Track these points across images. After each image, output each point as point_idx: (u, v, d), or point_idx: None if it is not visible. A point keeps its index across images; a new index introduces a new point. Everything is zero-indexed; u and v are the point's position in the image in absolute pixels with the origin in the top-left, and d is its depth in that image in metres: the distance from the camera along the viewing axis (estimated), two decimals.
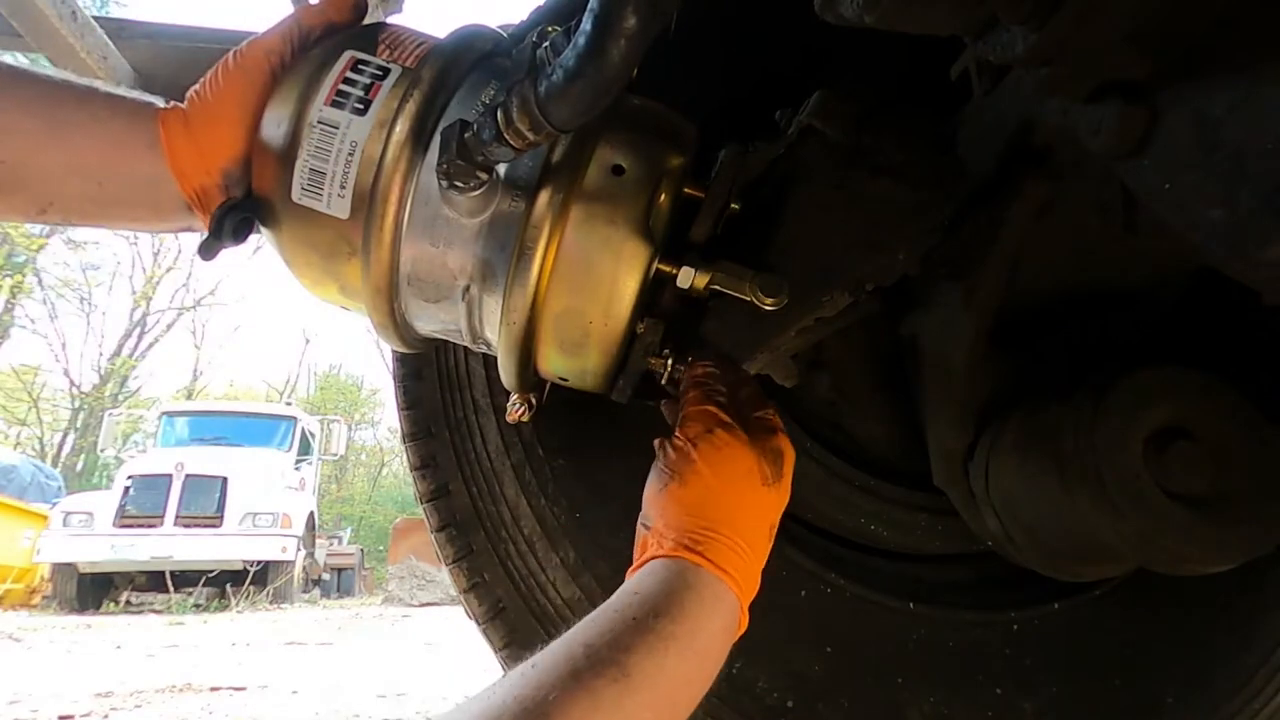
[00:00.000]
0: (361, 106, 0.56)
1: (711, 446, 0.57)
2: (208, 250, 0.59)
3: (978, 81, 0.70)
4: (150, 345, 19.84)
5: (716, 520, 0.54)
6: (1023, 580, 0.87)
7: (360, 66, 0.58)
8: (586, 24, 0.45)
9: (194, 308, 20.49)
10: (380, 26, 0.62)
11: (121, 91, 0.61)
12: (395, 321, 0.62)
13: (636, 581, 0.52)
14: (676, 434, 0.58)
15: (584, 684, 0.44)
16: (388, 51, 0.59)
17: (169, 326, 20.20)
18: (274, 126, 0.58)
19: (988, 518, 0.71)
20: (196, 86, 0.60)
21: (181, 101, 0.60)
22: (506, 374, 0.62)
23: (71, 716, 2.55)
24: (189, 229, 0.64)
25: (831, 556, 0.89)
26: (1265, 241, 0.41)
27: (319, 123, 0.56)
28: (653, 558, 0.54)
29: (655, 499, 0.57)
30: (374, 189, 0.55)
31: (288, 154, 0.57)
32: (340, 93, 0.57)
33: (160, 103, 0.60)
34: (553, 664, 0.45)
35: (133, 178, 0.59)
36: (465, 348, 0.91)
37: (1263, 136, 0.40)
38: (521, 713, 0.41)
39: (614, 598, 0.51)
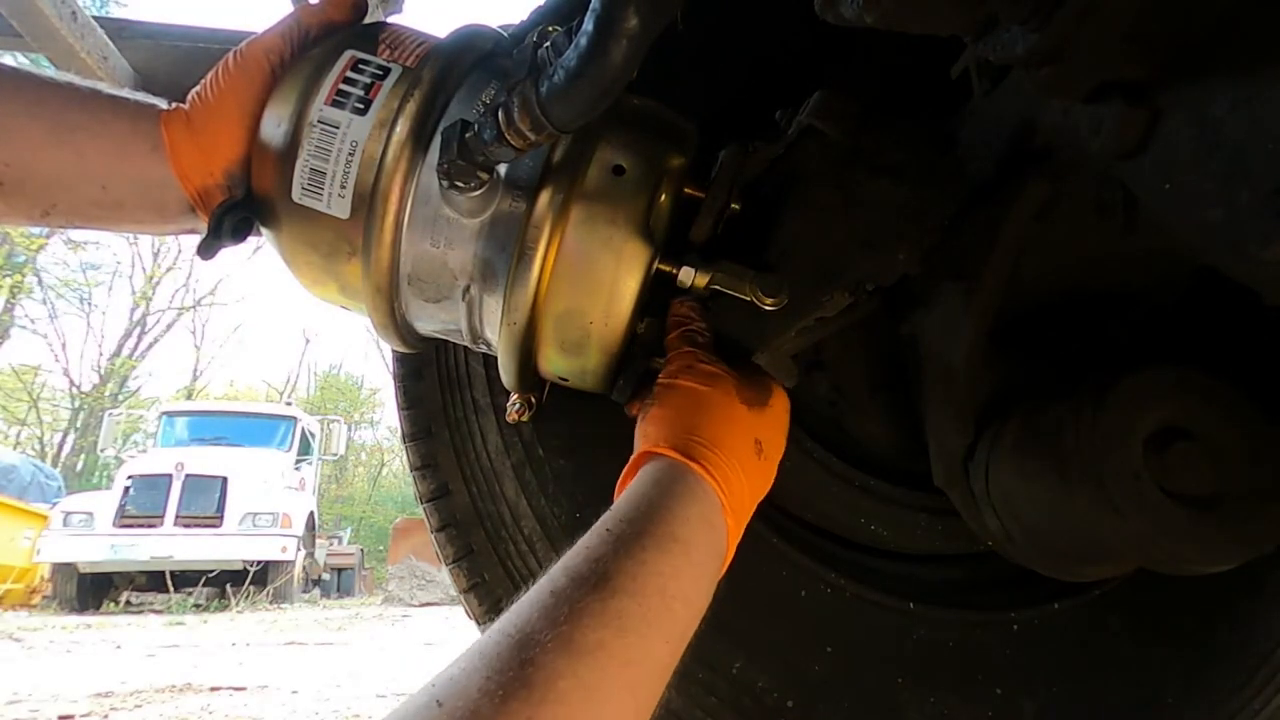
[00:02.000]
0: (362, 106, 0.56)
1: (691, 374, 0.59)
2: (207, 250, 0.59)
3: (978, 81, 0.70)
4: (150, 345, 19.86)
5: (691, 426, 0.55)
6: (1023, 580, 0.87)
7: (361, 66, 0.58)
8: (588, 24, 0.45)
9: (194, 308, 20.51)
10: (380, 26, 0.62)
11: (124, 94, 0.61)
12: (395, 321, 0.62)
13: (617, 500, 0.53)
14: (660, 375, 0.60)
15: (564, 597, 0.42)
16: (388, 51, 0.59)
17: (169, 326, 20.22)
18: (274, 126, 0.58)
19: (988, 518, 0.71)
20: (197, 88, 0.60)
21: (183, 103, 0.60)
22: (507, 374, 0.62)
23: (71, 716, 2.55)
24: (193, 231, 0.64)
25: (831, 556, 0.89)
26: (1265, 241, 0.41)
27: (319, 122, 0.56)
28: (629, 469, 0.55)
29: (637, 427, 0.58)
30: (374, 189, 0.55)
31: (288, 154, 0.57)
32: (341, 92, 0.57)
33: (163, 104, 0.60)
34: (535, 591, 0.44)
35: (136, 180, 0.59)
36: (465, 348, 0.91)
37: (1263, 136, 0.40)
38: (509, 643, 0.40)
39: (605, 518, 0.51)
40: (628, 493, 0.52)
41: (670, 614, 0.45)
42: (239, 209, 0.58)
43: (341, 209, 0.57)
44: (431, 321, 0.63)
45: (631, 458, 0.57)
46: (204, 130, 0.59)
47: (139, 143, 0.59)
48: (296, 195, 0.57)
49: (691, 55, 0.84)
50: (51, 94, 0.58)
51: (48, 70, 0.60)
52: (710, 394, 0.58)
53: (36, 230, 16.38)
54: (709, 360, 0.60)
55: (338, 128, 0.56)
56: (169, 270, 19.75)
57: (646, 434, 0.57)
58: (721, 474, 0.54)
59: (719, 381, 0.59)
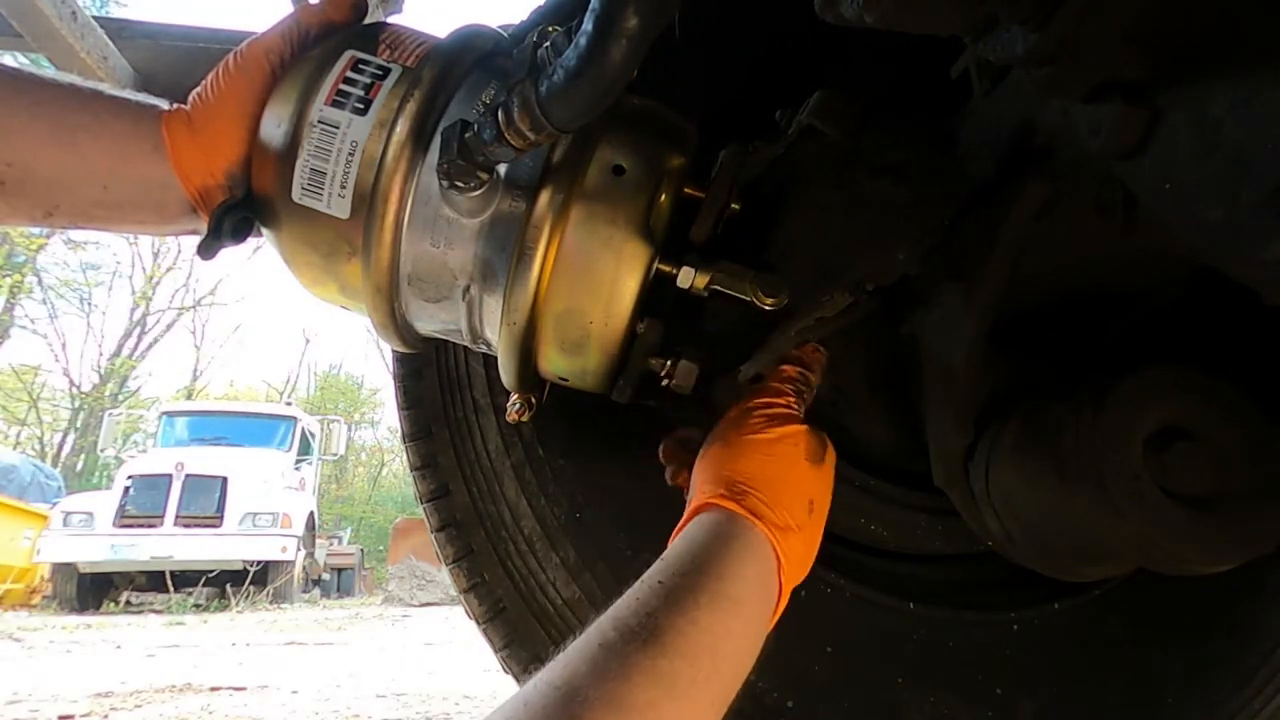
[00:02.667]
0: (362, 106, 0.56)
1: (766, 418, 0.58)
2: (207, 250, 0.59)
3: (978, 81, 0.70)
4: (150, 345, 19.86)
5: (753, 476, 0.54)
6: (1023, 580, 0.87)
7: (361, 66, 0.58)
8: (588, 24, 0.45)
9: (194, 308, 20.51)
10: (380, 26, 0.62)
11: (126, 94, 0.61)
12: (395, 321, 0.62)
13: (669, 549, 0.51)
14: (734, 407, 0.60)
15: (615, 652, 0.41)
16: (388, 51, 0.59)
17: (169, 326, 20.23)
18: (274, 126, 0.58)
19: (988, 518, 0.71)
20: (198, 88, 0.60)
21: (185, 103, 0.60)
22: (507, 374, 0.62)
23: (71, 716, 2.55)
24: (193, 231, 0.64)
25: (831, 556, 0.89)
26: (1265, 241, 0.41)
27: (319, 122, 0.56)
28: (686, 517, 0.54)
29: (698, 464, 0.58)
30: (374, 189, 0.55)
31: (288, 154, 0.57)
32: (341, 92, 0.57)
33: (165, 105, 0.60)
34: (583, 642, 0.43)
35: (138, 181, 0.59)
36: (465, 347, 0.91)
37: (1263, 136, 0.40)
38: (555, 696, 0.39)
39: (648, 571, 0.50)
40: (683, 542, 0.51)
41: (719, 676, 0.44)
42: (239, 209, 0.58)
43: (341, 209, 0.57)
44: (431, 321, 0.63)
45: (690, 504, 0.55)
46: (204, 130, 0.59)
47: (140, 143, 0.58)
48: (296, 195, 0.57)
49: (691, 55, 0.84)
50: (53, 94, 0.58)
51: (48, 71, 0.60)
52: (780, 446, 0.57)
53: (36, 230, 16.38)
54: (789, 409, 0.59)
55: (338, 128, 0.56)
56: (169, 270, 19.77)
57: (707, 479, 0.56)
58: (781, 533, 0.53)
59: (790, 436, 0.58)
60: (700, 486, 0.56)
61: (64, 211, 0.60)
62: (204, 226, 0.61)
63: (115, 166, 0.59)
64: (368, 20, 0.64)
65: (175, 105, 0.60)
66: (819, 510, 0.58)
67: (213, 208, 0.59)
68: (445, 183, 0.52)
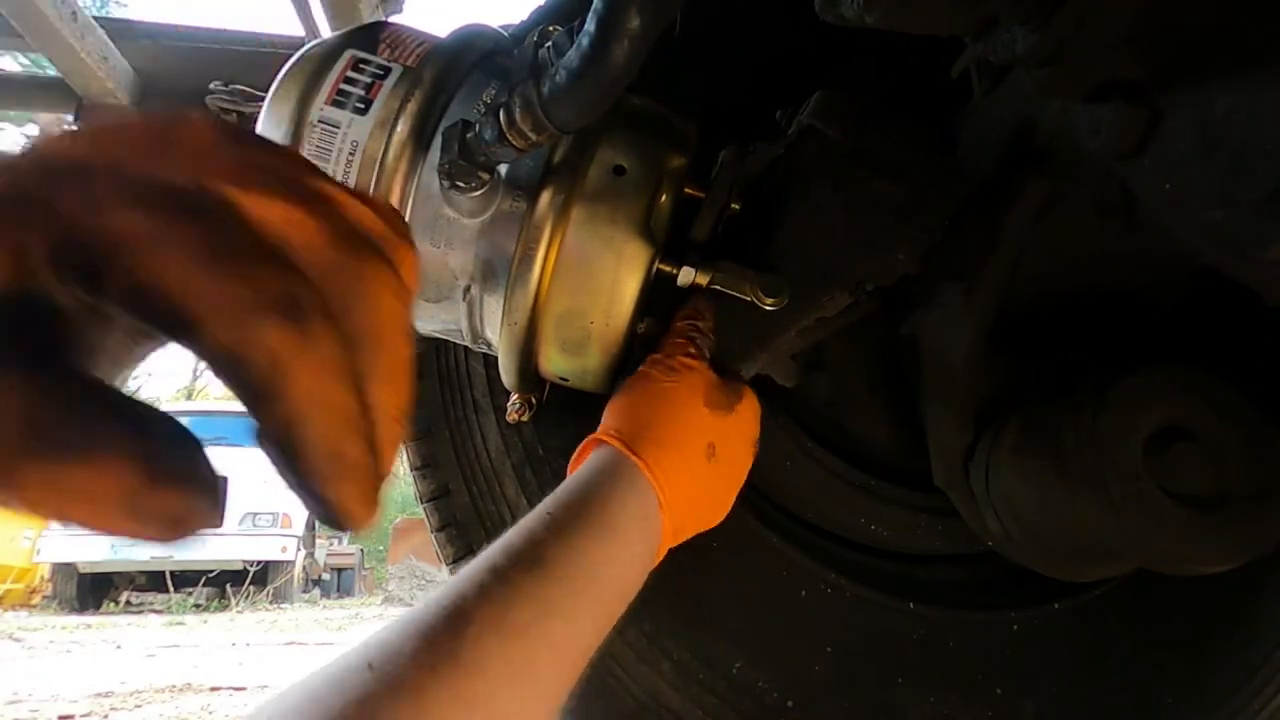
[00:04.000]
0: (362, 106, 0.56)
1: (662, 367, 0.59)
2: None
3: (978, 81, 0.70)
4: None
5: (645, 419, 0.56)
6: (1023, 580, 0.87)
7: (361, 66, 0.58)
8: (590, 24, 0.45)
9: None
10: (381, 26, 0.62)
11: None
12: None
13: (563, 483, 0.54)
14: (642, 364, 0.60)
15: (500, 576, 0.44)
16: (388, 51, 0.59)
17: None
18: (274, 126, 0.58)
19: (988, 518, 0.71)
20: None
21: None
22: (507, 374, 0.62)
23: (71, 716, 2.55)
24: None
25: (831, 556, 0.89)
26: (1265, 241, 0.41)
27: (319, 122, 0.56)
28: (579, 452, 0.57)
29: (605, 408, 0.60)
30: (375, 189, 0.56)
31: None
32: (341, 92, 0.57)
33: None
34: (473, 568, 0.45)
35: None
36: (465, 347, 0.91)
37: (1263, 136, 0.40)
38: (442, 615, 0.42)
39: (547, 501, 0.53)
40: (572, 478, 0.54)
41: (599, 600, 0.48)
42: None
43: None
44: (432, 321, 0.63)
45: (584, 440, 0.58)
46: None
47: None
48: None
49: (692, 55, 0.84)
50: None
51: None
52: (673, 389, 0.58)
53: None
54: (687, 357, 0.60)
55: (338, 127, 0.56)
56: None
57: (604, 419, 0.58)
58: (663, 471, 0.55)
59: (686, 378, 0.59)
60: (601, 426, 0.58)
61: None
62: None
63: None
64: (368, 19, 0.64)
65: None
66: (726, 453, 0.60)
67: None
68: (446, 183, 0.52)
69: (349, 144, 0.56)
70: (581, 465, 0.56)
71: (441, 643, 0.40)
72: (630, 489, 0.53)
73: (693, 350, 0.60)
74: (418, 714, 0.37)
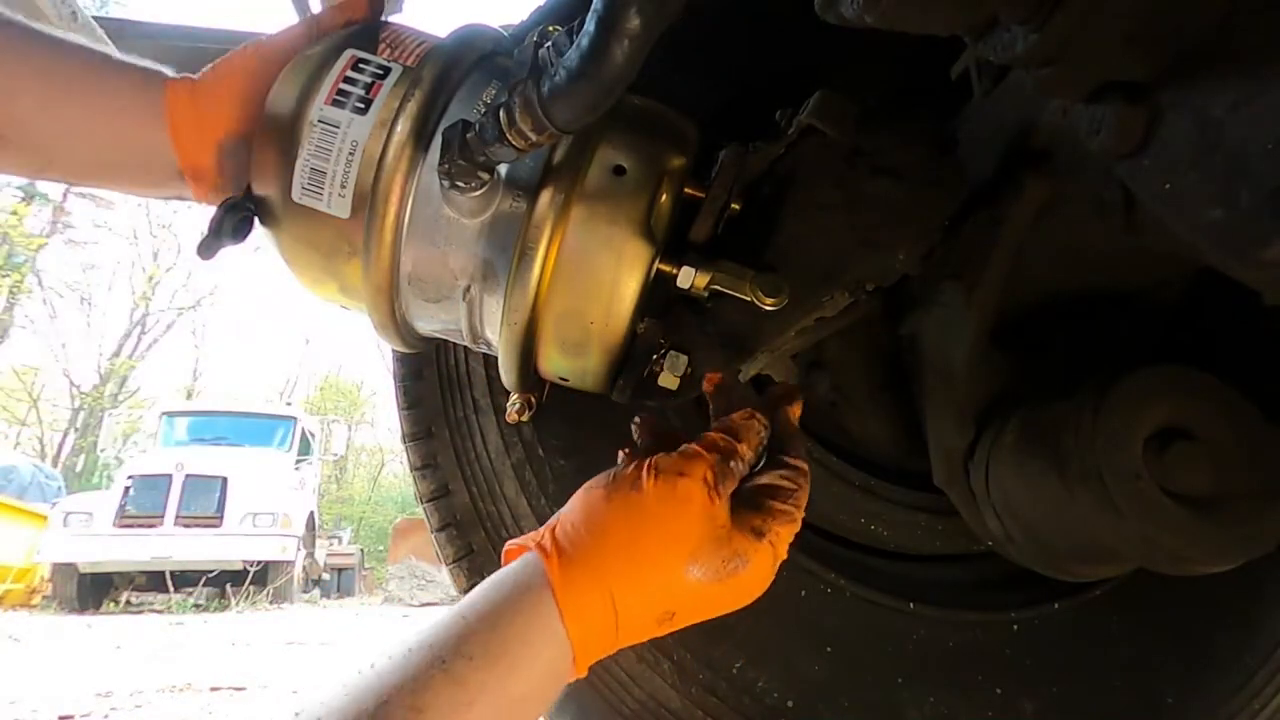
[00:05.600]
0: (362, 106, 0.56)
1: (667, 483, 0.49)
2: (207, 249, 0.59)
3: (978, 81, 0.70)
4: (150, 345, 19.85)
5: (602, 547, 0.48)
6: (1023, 580, 0.87)
7: (361, 65, 0.58)
8: (589, 24, 0.45)
9: (194, 308, 20.50)
10: (381, 25, 0.62)
11: (132, 60, 0.63)
12: (395, 321, 0.62)
13: (492, 579, 0.49)
14: (656, 456, 0.52)
15: (422, 683, 0.43)
16: (389, 50, 0.59)
17: (169, 327, 20.21)
18: (274, 125, 0.58)
19: (988, 518, 0.71)
20: (211, 64, 0.62)
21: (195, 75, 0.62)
22: (507, 374, 0.62)
23: (71, 716, 2.55)
24: (180, 197, 0.66)
25: (831, 556, 0.89)
26: (1265, 241, 0.41)
27: (320, 122, 0.56)
28: (522, 546, 0.51)
29: (575, 496, 0.52)
30: (375, 189, 0.55)
31: (288, 153, 0.57)
32: (341, 92, 0.57)
33: (170, 73, 0.62)
34: (397, 649, 0.45)
35: (132, 144, 0.61)
36: (465, 348, 0.91)
37: (1263, 136, 0.40)
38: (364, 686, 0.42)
39: (474, 591, 0.48)
40: (487, 598, 0.48)
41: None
42: (239, 208, 0.59)
43: (342, 209, 0.57)
44: (432, 321, 0.63)
45: (511, 544, 0.52)
46: (206, 100, 0.60)
47: (140, 108, 0.60)
48: (296, 195, 0.57)
49: (692, 55, 0.84)
50: (59, 56, 0.60)
51: (57, 31, 0.62)
52: (658, 531, 0.48)
53: (37, 230, 16.42)
54: (701, 483, 0.49)
55: (338, 127, 0.56)
56: (169, 270, 19.76)
57: (565, 511, 0.51)
58: (590, 628, 0.47)
59: (681, 523, 0.48)
60: (553, 522, 0.51)
61: (58, 167, 0.62)
62: (189, 194, 0.62)
63: (112, 129, 0.60)
64: None
65: (183, 75, 0.62)
66: (687, 618, 0.50)
67: (201, 177, 0.60)
68: (446, 183, 0.52)
69: (349, 144, 0.56)
70: (507, 580, 0.48)
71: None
72: (543, 644, 0.46)
73: (709, 478, 0.50)
74: None
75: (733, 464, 0.52)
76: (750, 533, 0.50)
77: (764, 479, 0.54)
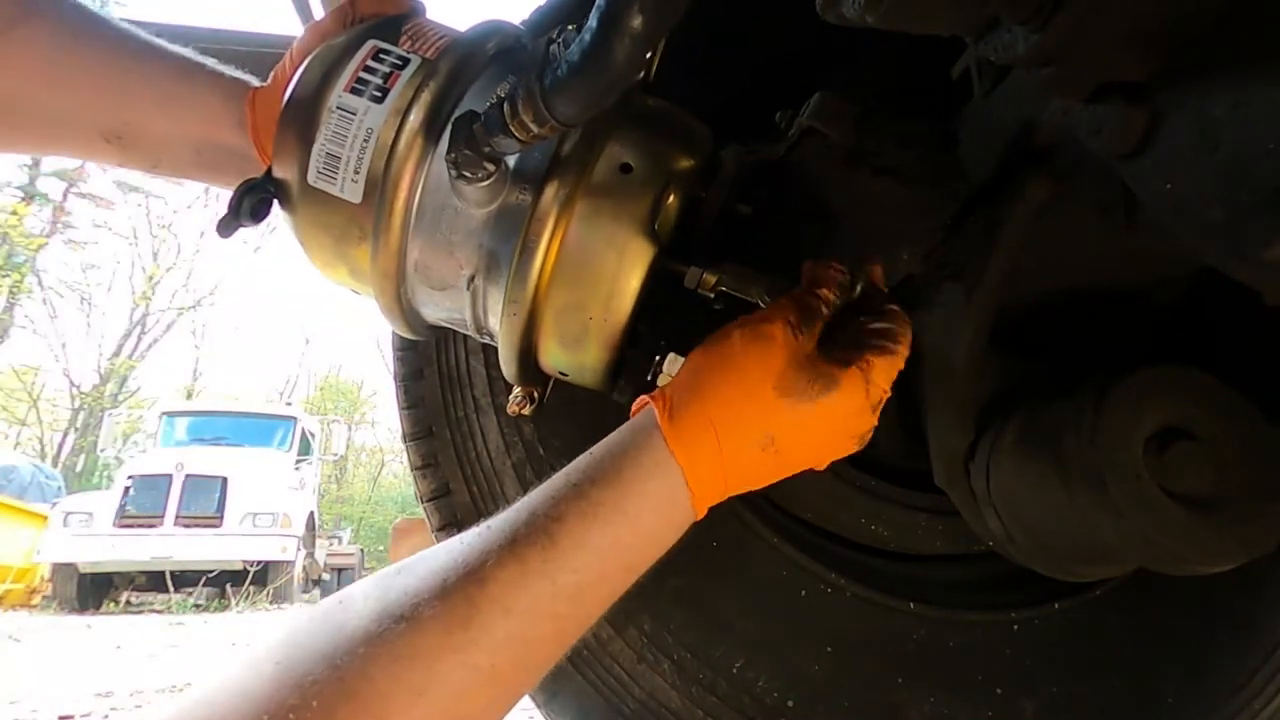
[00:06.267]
0: (379, 94, 0.57)
1: (752, 330, 0.54)
2: (226, 228, 0.60)
3: (979, 82, 0.70)
4: (150, 345, 19.85)
5: (701, 386, 0.54)
6: (1023, 580, 0.87)
7: (381, 55, 0.59)
8: (592, 20, 0.45)
9: (194, 308, 20.50)
10: (405, 18, 0.63)
11: (224, 70, 0.70)
12: (401, 306, 0.63)
13: (609, 437, 0.55)
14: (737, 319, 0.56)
15: (516, 552, 0.48)
16: (409, 42, 0.60)
17: (169, 327, 20.21)
18: (295, 111, 0.58)
19: (989, 518, 0.71)
20: (276, 67, 0.67)
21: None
22: (507, 365, 0.63)
23: (71, 716, 2.55)
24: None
25: (831, 556, 0.90)
26: (1265, 241, 0.41)
27: (337, 108, 0.57)
28: (637, 405, 0.57)
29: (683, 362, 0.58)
30: (386, 175, 0.56)
31: (306, 137, 0.58)
32: (360, 80, 0.58)
33: (255, 82, 0.68)
34: (500, 527, 0.49)
35: (224, 148, 0.69)
36: (466, 348, 0.91)
37: (1263, 136, 0.40)
38: (464, 574, 0.46)
39: (600, 442, 0.55)
40: (608, 441, 0.55)
41: (606, 581, 0.51)
42: (259, 189, 0.60)
43: (354, 194, 0.57)
44: (437, 309, 0.64)
45: (640, 397, 0.57)
46: (267, 103, 0.66)
47: (228, 117, 0.68)
48: (312, 178, 0.58)
49: (692, 55, 0.84)
50: (163, 66, 0.69)
51: (161, 42, 0.70)
52: (743, 361, 0.53)
53: (37, 229, 16.47)
54: (785, 324, 0.54)
55: (355, 114, 0.57)
56: (169, 270, 19.77)
57: (672, 374, 0.58)
58: (699, 460, 0.52)
59: (763, 350, 0.53)
60: (667, 382, 0.57)
61: (167, 166, 0.71)
62: None
63: (207, 134, 0.69)
64: None
65: (261, 84, 0.68)
66: (790, 446, 0.54)
67: None
68: (454, 172, 0.53)
69: (364, 130, 0.57)
70: (624, 426, 0.55)
71: (458, 608, 0.45)
72: (654, 474, 0.52)
73: (793, 318, 0.54)
74: (429, 672, 0.43)
75: (813, 303, 0.56)
76: (837, 359, 0.55)
77: (857, 323, 0.58)
